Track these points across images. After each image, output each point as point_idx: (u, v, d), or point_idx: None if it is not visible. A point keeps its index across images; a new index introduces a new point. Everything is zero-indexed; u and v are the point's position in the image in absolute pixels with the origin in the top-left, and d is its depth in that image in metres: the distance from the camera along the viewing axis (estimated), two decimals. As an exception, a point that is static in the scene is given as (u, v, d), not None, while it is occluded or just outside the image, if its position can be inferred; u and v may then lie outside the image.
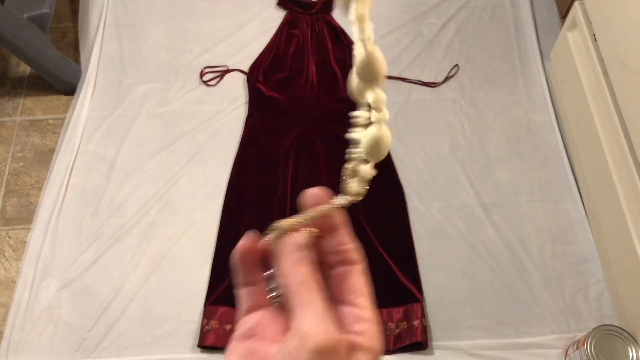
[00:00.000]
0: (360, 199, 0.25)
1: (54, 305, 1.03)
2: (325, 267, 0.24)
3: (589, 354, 0.86)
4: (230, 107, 1.26)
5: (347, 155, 0.26)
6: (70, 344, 0.99)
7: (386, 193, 1.12)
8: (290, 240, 0.24)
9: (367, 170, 0.26)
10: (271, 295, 0.26)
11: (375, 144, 0.25)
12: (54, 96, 1.31)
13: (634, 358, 0.86)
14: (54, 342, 1.00)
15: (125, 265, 1.07)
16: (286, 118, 1.22)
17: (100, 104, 1.28)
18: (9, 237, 1.13)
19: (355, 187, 0.25)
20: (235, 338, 0.25)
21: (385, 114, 0.25)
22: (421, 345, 0.95)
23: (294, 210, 1.09)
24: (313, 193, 0.25)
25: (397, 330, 0.96)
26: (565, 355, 0.95)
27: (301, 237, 0.24)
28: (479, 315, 1.00)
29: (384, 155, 0.25)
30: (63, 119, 1.27)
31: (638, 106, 0.85)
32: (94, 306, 1.03)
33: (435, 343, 0.97)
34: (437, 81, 1.27)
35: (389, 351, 0.96)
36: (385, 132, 0.25)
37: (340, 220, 0.24)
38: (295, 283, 0.22)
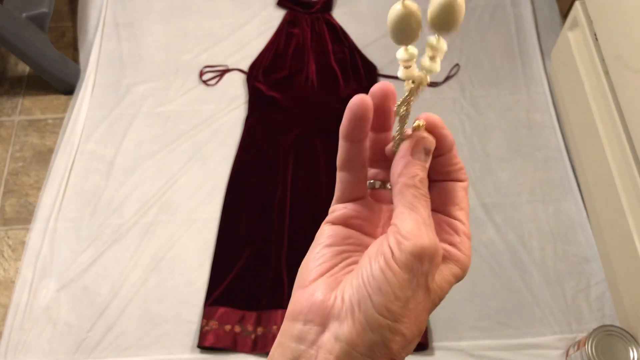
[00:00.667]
0: (429, 76, 0.24)
1: (53, 306, 1.03)
2: (430, 179, 0.24)
3: (590, 354, 0.86)
4: (229, 107, 1.25)
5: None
6: (69, 345, 0.99)
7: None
8: (414, 139, 0.23)
9: (441, 44, 0.23)
10: (370, 185, 0.26)
11: (446, 9, 0.22)
12: (52, 96, 1.31)
13: (635, 359, 0.86)
14: (52, 343, 0.99)
15: (125, 266, 1.06)
16: (286, 117, 1.22)
17: (99, 103, 1.27)
18: (8, 237, 1.12)
19: (428, 64, 0.23)
20: (327, 221, 0.25)
21: None
22: (422, 345, 0.95)
23: (293, 209, 1.09)
24: (381, 88, 0.25)
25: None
26: (566, 355, 0.94)
27: (429, 142, 0.24)
28: (479, 316, 1.00)
29: (456, 22, 0.22)
30: (62, 119, 1.27)
31: (639, 105, 0.84)
32: (93, 306, 1.02)
33: (435, 344, 0.97)
34: (437, 81, 1.27)
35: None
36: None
37: (452, 140, 0.25)
38: (407, 183, 0.22)
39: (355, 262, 0.23)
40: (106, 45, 1.36)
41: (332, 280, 0.22)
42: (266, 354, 0.97)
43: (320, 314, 0.21)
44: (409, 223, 0.21)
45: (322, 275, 0.23)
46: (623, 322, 0.96)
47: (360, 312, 0.20)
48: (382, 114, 0.25)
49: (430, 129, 0.24)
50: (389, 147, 0.25)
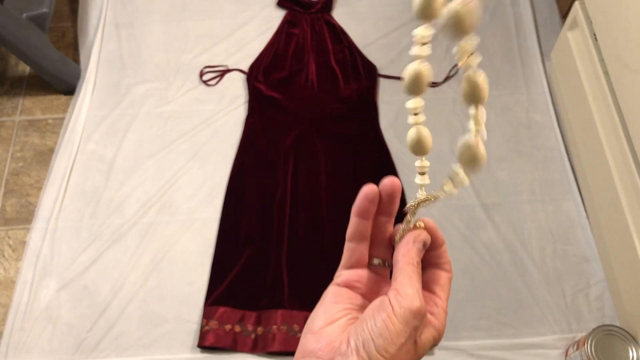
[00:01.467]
0: (446, 197, 0.31)
1: (53, 306, 1.03)
2: (423, 265, 0.31)
3: (590, 354, 0.86)
4: (229, 107, 1.26)
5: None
6: (70, 345, 0.99)
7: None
8: (416, 233, 0.30)
9: (463, 177, 0.30)
10: (372, 262, 0.32)
11: (470, 154, 0.29)
12: (53, 96, 1.31)
13: (635, 358, 0.86)
14: (53, 343, 1.00)
15: (125, 266, 1.06)
16: (286, 117, 1.22)
17: (100, 103, 1.27)
18: (9, 237, 1.12)
19: (448, 188, 0.31)
20: (334, 283, 0.31)
21: (483, 130, 0.28)
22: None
23: (293, 209, 1.09)
24: (391, 183, 0.31)
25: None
26: (566, 355, 0.94)
27: (425, 235, 0.31)
28: (479, 316, 1.00)
29: (478, 167, 0.29)
30: (62, 119, 1.27)
31: (639, 106, 0.84)
32: (93, 306, 1.03)
33: (435, 343, 0.97)
34: (437, 81, 1.27)
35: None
36: (481, 148, 0.28)
37: (443, 240, 0.32)
38: (408, 262, 0.29)
39: (356, 318, 0.29)
40: (106, 45, 1.36)
41: (338, 328, 0.28)
42: (266, 353, 0.97)
43: (328, 351, 0.27)
44: (407, 289, 0.27)
45: (329, 324, 0.29)
46: (622, 322, 0.96)
47: (364, 350, 0.26)
48: (388, 203, 0.32)
49: (427, 229, 0.31)
50: (395, 234, 0.32)
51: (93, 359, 0.98)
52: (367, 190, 0.30)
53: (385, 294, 0.28)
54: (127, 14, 1.41)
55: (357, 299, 0.31)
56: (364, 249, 0.32)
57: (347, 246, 0.32)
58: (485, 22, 1.36)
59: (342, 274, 0.31)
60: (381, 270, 0.32)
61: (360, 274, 0.31)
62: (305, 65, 1.28)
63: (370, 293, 0.31)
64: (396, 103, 1.24)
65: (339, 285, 0.31)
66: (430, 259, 0.32)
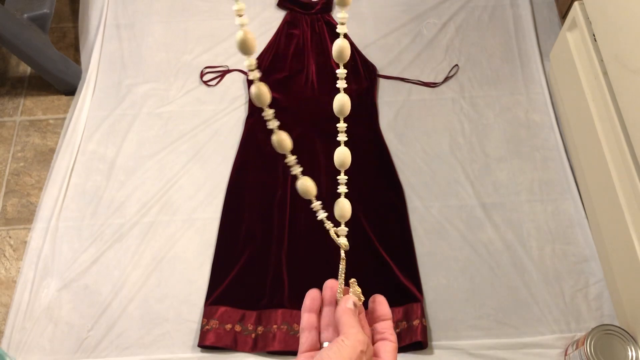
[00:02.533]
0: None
1: (54, 305, 1.03)
2: (373, 340, 0.37)
3: (589, 353, 0.86)
4: (230, 107, 1.26)
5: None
6: (71, 344, 1.00)
7: (386, 193, 1.12)
8: (348, 304, 0.37)
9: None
10: (323, 345, 0.37)
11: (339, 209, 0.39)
12: (54, 96, 1.31)
13: (634, 358, 0.86)
14: (54, 342, 1.00)
15: (125, 265, 1.07)
16: (286, 118, 1.22)
17: (101, 104, 1.28)
18: (10, 237, 1.13)
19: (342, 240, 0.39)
20: None
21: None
22: (421, 345, 0.95)
23: (294, 209, 1.09)
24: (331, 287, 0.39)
25: (397, 330, 0.96)
26: (565, 354, 0.95)
27: (353, 298, 0.38)
28: (478, 315, 1.00)
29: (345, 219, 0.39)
30: (63, 119, 1.27)
31: (638, 106, 0.85)
32: (94, 306, 1.03)
33: (435, 343, 0.97)
34: (437, 81, 1.27)
35: (388, 351, 0.96)
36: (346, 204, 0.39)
37: (389, 313, 0.38)
38: (343, 309, 0.36)
39: None
40: (107, 45, 1.37)
41: None
42: (267, 353, 0.97)
43: None
44: (350, 328, 0.34)
45: None
46: (622, 322, 0.96)
47: None
48: (330, 299, 0.39)
49: (376, 303, 0.38)
50: (336, 297, 0.38)
51: (94, 358, 0.98)
52: (312, 294, 0.39)
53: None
54: (128, 15, 1.41)
55: None
56: (317, 336, 0.38)
57: (302, 336, 0.38)
58: (484, 23, 1.36)
59: (301, 358, 0.37)
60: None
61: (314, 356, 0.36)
62: (306, 66, 1.29)
63: None
64: (396, 103, 1.25)
65: None
66: (377, 332, 0.38)
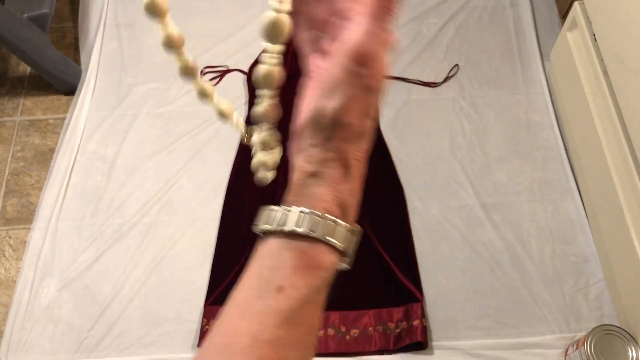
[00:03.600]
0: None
1: (54, 305, 1.03)
2: None
3: (589, 354, 0.86)
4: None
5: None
6: (71, 344, 0.99)
7: (386, 193, 1.12)
8: None
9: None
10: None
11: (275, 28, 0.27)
12: (54, 96, 1.31)
13: (634, 358, 0.86)
14: (54, 342, 1.00)
15: (125, 265, 1.07)
16: (286, 117, 1.22)
17: (100, 103, 1.28)
18: (9, 237, 1.13)
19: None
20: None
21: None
22: (421, 345, 0.95)
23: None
24: None
25: (397, 330, 0.96)
26: (565, 355, 0.95)
27: None
28: (478, 315, 1.00)
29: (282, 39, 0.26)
30: (63, 119, 1.27)
31: (638, 106, 0.85)
32: (94, 306, 1.03)
33: (435, 343, 0.97)
34: (437, 81, 1.27)
35: (388, 351, 0.96)
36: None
37: None
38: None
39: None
40: (107, 45, 1.36)
41: None
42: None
43: None
44: (357, 28, 0.21)
45: None
46: (622, 322, 0.96)
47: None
48: None
49: None
50: None
51: (94, 358, 0.98)
52: None
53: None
54: (128, 15, 1.41)
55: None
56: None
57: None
58: (484, 23, 1.36)
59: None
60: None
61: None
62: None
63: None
64: (396, 103, 1.24)
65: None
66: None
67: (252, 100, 1.26)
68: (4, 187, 1.19)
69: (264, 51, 0.29)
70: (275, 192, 1.12)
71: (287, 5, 0.25)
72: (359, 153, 0.25)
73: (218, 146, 1.20)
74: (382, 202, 1.10)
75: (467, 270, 1.04)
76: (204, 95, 0.32)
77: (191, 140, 1.21)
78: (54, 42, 1.33)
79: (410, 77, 1.28)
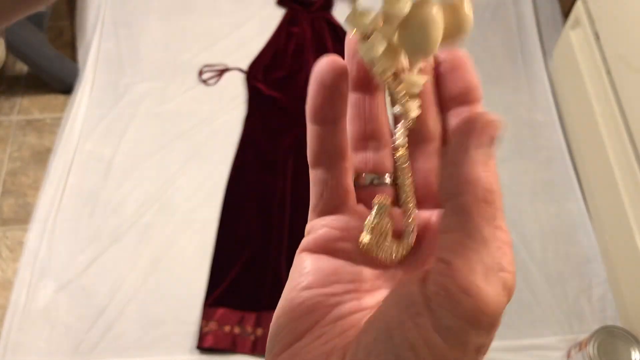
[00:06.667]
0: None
1: (51, 306, 1.02)
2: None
3: (592, 355, 0.85)
4: (229, 106, 1.25)
5: None
6: (68, 345, 0.99)
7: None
8: (479, 120, 0.15)
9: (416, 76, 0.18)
10: (359, 183, 0.18)
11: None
12: (51, 95, 1.30)
13: (637, 359, 0.85)
14: (51, 344, 0.99)
15: (123, 266, 1.06)
16: (285, 117, 1.21)
17: (98, 103, 1.27)
18: (6, 238, 1.12)
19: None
20: (304, 248, 0.18)
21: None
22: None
23: (293, 209, 1.08)
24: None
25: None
26: (568, 356, 0.94)
27: (493, 123, 0.15)
28: (480, 317, 0.99)
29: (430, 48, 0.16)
30: (60, 118, 1.26)
31: (642, 105, 0.84)
32: (92, 307, 1.02)
33: (436, 345, 0.96)
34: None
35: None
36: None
37: (477, 84, 0.17)
38: (483, 198, 0.14)
39: (346, 316, 0.16)
40: (105, 44, 1.35)
41: (318, 343, 0.15)
42: (266, 355, 0.96)
43: None
44: (472, 267, 0.13)
45: (298, 339, 0.15)
46: (625, 323, 0.95)
47: None
48: (362, 68, 0.18)
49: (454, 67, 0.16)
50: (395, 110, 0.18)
51: (91, 359, 0.97)
52: (323, 70, 0.16)
53: (404, 268, 0.16)
54: (126, 13, 1.40)
55: (349, 271, 0.17)
56: (342, 173, 0.18)
57: (313, 176, 0.18)
58: (486, 21, 1.35)
59: (315, 227, 0.18)
60: (377, 193, 0.18)
61: (344, 221, 0.18)
62: (305, 65, 1.28)
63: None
64: (397, 102, 1.24)
65: (312, 251, 0.17)
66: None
67: (251, 99, 1.25)
68: (0, 188, 1.18)
69: None
70: (275, 192, 1.11)
71: None
72: None
73: (217, 146, 1.19)
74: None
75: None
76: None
77: (190, 140, 1.20)
78: (51, 40, 1.31)
79: (411, 76, 1.27)
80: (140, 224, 1.10)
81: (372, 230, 0.18)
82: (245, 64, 1.30)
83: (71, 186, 1.15)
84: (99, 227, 1.10)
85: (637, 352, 0.86)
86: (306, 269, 0.17)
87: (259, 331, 0.97)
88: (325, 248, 0.18)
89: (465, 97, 0.18)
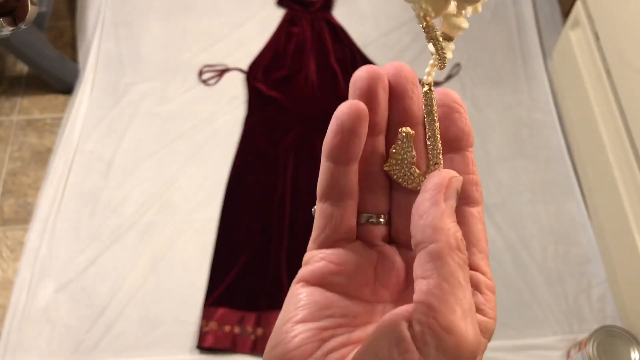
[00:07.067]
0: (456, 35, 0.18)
1: (52, 306, 1.02)
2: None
3: (592, 355, 0.85)
4: (229, 106, 1.25)
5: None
6: (68, 346, 0.99)
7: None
8: (448, 178, 0.17)
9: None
10: (359, 221, 0.19)
11: None
12: (51, 95, 1.30)
13: (637, 359, 0.85)
14: (51, 344, 0.99)
15: (123, 266, 1.06)
16: (286, 117, 1.21)
17: (98, 103, 1.27)
18: (7, 238, 1.12)
19: (454, 22, 0.18)
20: (301, 279, 0.19)
21: None
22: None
23: (293, 209, 1.08)
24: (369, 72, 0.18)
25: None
26: (567, 356, 0.94)
27: (458, 179, 0.17)
28: (480, 317, 0.99)
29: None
30: (61, 119, 1.26)
31: (642, 105, 0.84)
32: (92, 307, 1.02)
33: (436, 344, 0.96)
34: (438, 80, 1.26)
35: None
36: None
37: (469, 131, 0.18)
38: (450, 245, 0.16)
39: (337, 349, 0.17)
40: (105, 44, 1.35)
41: None
42: (266, 355, 0.96)
43: None
44: (450, 306, 0.15)
45: None
46: (625, 323, 0.95)
47: None
48: (370, 109, 0.19)
49: (447, 106, 0.18)
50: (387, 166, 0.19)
51: (92, 359, 0.98)
52: (345, 113, 0.18)
53: (393, 303, 0.17)
54: (126, 13, 1.40)
55: (341, 306, 0.18)
56: (349, 211, 0.19)
57: (320, 210, 0.19)
58: (486, 21, 1.35)
59: (313, 259, 0.19)
60: (373, 232, 0.20)
61: (343, 256, 0.19)
62: (305, 65, 1.28)
63: (360, 287, 0.19)
64: (396, 102, 1.24)
65: (308, 283, 0.19)
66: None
67: (251, 99, 1.25)
68: (1, 188, 1.18)
69: None
70: (275, 192, 1.11)
71: None
72: None
73: (217, 146, 1.19)
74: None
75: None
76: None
77: (190, 140, 1.20)
78: (51, 40, 1.32)
79: (410, 76, 1.27)
80: (141, 224, 1.10)
81: (395, 155, 0.19)
82: (245, 64, 1.30)
83: (71, 186, 1.15)
84: (99, 227, 1.10)
85: (637, 352, 0.86)
86: (301, 302, 0.19)
87: (259, 331, 0.97)
88: (321, 281, 0.19)
89: (458, 144, 0.20)
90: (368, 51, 1.30)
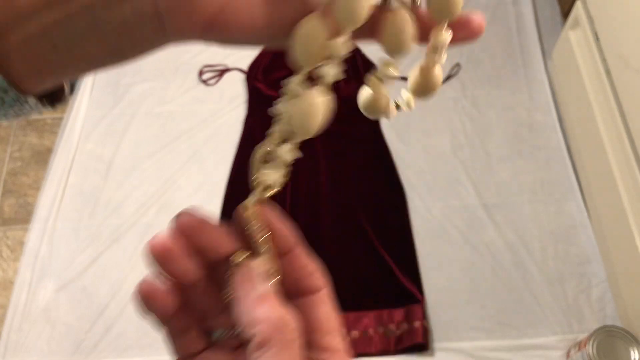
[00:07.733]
0: (276, 191, 0.20)
1: (52, 306, 1.02)
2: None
3: (591, 355, 0.85)
4: (229, 106, 1.25)
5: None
6: (68, 345, 0.99)
7: (387, 193, 1.11)
8: (246, 270, 0.18)
9: (287, 150, 0.20)
10: (216, 335, 0.20)
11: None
12: (51, 95, 1.30)
13: (637, 359, 0.85)
14: (51, 343, 0.99)
15: (124, 266, 1.06)
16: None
17: (98, 103, 1.27)
18: (7, 238, 1.12)
19: (271, 175, 0.20)
20: None
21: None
22: (422, 346, 0.94)
23: (293, 210, 1.08)
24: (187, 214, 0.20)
25: (398, 332, 0.96)
26: (567, 356, 0.94)
27: (258, 264, 0.19)
28: (480, 317, 0.99)
29: (313, 128, 0.19)
30: (61, 119, 1.26)
31: (641, 105, 0.84)
32: (92, 307, 1.02)
33: (436, 344, 0.96)
34: (437, 80, 1.26)
35: (389, 353, 0.95)
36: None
37: (293, 238, 0.20)
38: (268, 329, 0.17)
39: None
40: (105, 44, 1.35)
41: None
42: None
43: None
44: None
45: None
46: (625, 323, 0.95)
47: None
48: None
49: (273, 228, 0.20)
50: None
51: (92, 359, 0.98)
52: (142, 290, 0.19)
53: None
54: (126, 13, 1.40)
55: None
56: (194, 331, 0.20)
57: (165, 335, 0.20)
58: (486, 21, 1.35)
59: None
60: (231, 344, 0.21)
61: None
62: (305, 65, 1.28)
63: None
64: (396, 102, 1.24)
65: None
66: (285, 281, 0.20)
67: (251, 99, 1.25)
68: (1, 188, 1.19)
69: None
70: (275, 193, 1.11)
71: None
72: None
73: (217, 146, 1.20)
74: (382, 202, 1.10)
75: (469, 271, 1.04)
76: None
77: (190, 140, 1.21)
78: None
79: (410, 76, 1.27)
80: (141, 224, 1.10)
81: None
82: (245, 64, 1.30)
83: (71, 186, 1.15)
84: (99, 227, 1.10)
85: (637, 351, 0.86)
86: None
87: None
88: None
89: (309, 289, 0.20)
90: (368, 51, 1.30)
